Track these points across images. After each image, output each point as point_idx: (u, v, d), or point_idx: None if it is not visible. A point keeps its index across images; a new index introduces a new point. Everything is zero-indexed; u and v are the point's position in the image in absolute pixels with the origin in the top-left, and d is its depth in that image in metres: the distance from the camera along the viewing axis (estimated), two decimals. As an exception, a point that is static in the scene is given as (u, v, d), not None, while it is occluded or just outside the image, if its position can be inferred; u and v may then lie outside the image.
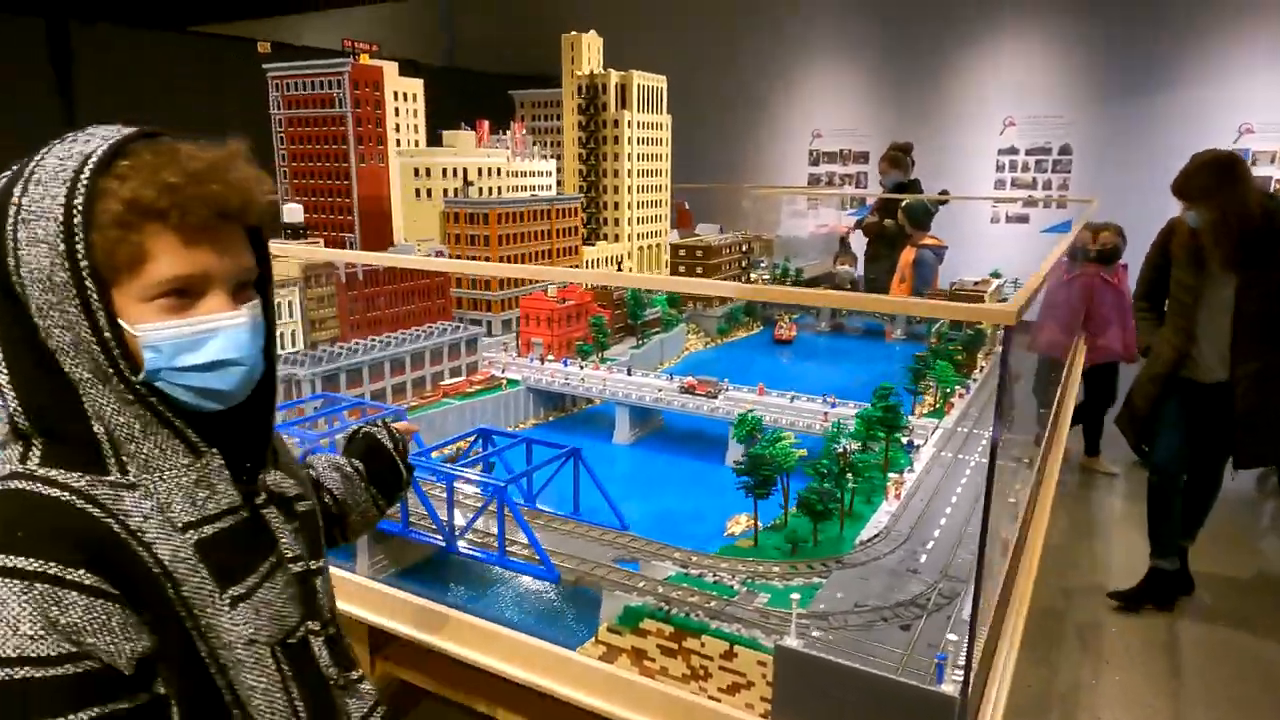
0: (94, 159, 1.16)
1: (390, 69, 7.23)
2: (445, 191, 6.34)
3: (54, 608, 1.04)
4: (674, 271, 7.54)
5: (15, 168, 1.18)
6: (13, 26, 8.70)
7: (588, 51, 7.77)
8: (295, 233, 5.30)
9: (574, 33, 7.77)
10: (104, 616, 1.08)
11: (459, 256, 6.27)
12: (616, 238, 7.71)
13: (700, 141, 13.85)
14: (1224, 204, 4.30)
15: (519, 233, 6.29)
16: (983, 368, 5.42)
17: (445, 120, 7.38)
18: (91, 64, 8.97)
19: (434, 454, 3.42)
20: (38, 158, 1.19)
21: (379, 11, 17.60)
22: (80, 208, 1.13)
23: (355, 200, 6.65)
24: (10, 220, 1.15)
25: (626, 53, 14.18)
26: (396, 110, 7.27)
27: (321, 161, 6.73)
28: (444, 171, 6.32)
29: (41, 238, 1.13)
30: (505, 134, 8.34)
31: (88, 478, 1.16)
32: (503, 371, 5.19)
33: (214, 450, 1.25)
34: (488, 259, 6.10)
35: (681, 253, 7.54)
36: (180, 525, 1.19)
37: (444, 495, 2.99)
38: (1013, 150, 13.17)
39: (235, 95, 7.86)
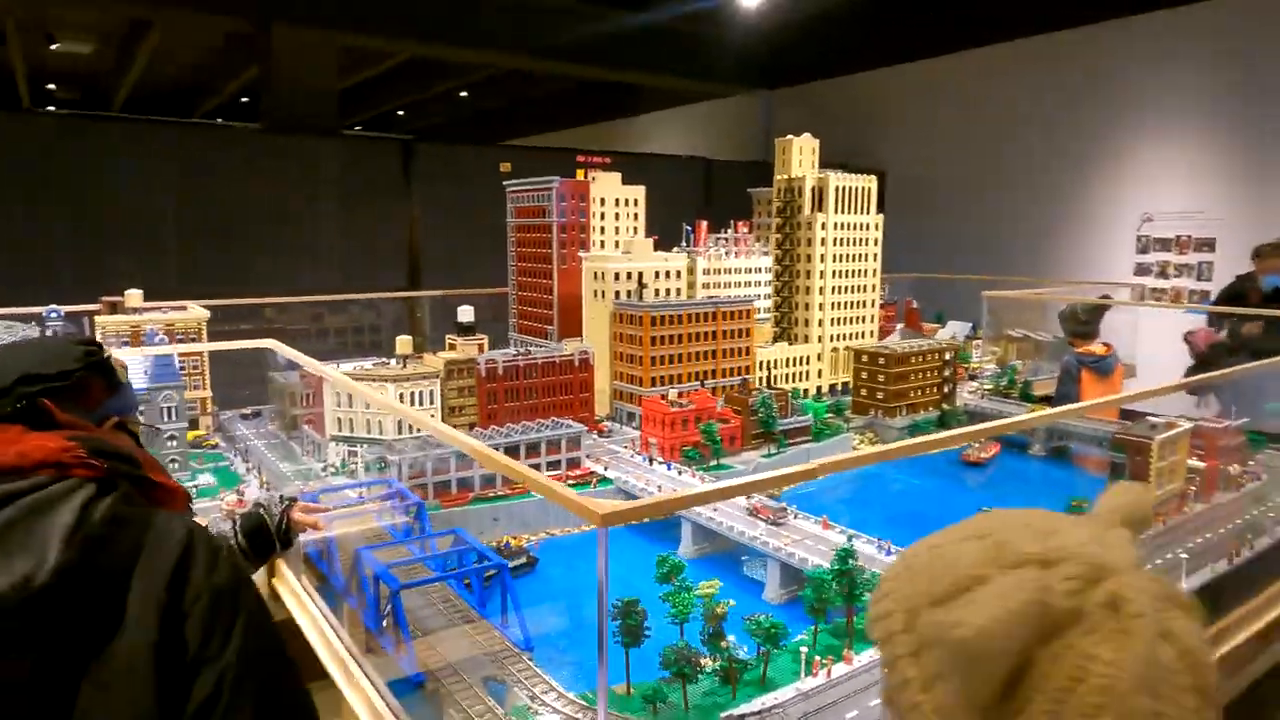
0: None
1: (611, 179, 8.12)
2: (617, 294, 6.93)
3: None
4: (856, 379, 7.23)
5: None
6: (376, 148, 11.33)
7: (799, 154, 7.90)
8: (466, 330, 6.26)
9: (788, 136, 7.96)
10: None
11: (620, 355, 6.80)
12: (806, 339, 7.63)
13: (1008, 230, 12.92)
14: None
15: (675, 334, 6.63)
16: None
17: (720, 214, 8.27)
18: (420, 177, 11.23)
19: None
20: None
21: (717, 110, 18.82)
22: None
23: (555, 298, 7.55)
24: None
25: (937, 135, 13.79)
26: (617, 215, 8.12)
27: (534, 263, 7.77)
28: (616, 275, 6.92)
29: None
30: (726, 233, 8.77)
31: None
32: (605, 470, 5.56)
33: None
34: (641, 358, 6.54)
35: (864, 359, 7.23)
36: None
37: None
38: None
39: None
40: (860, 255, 7.78)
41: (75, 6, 15.10)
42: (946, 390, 7.33)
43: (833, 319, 7.69)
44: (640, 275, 7.00)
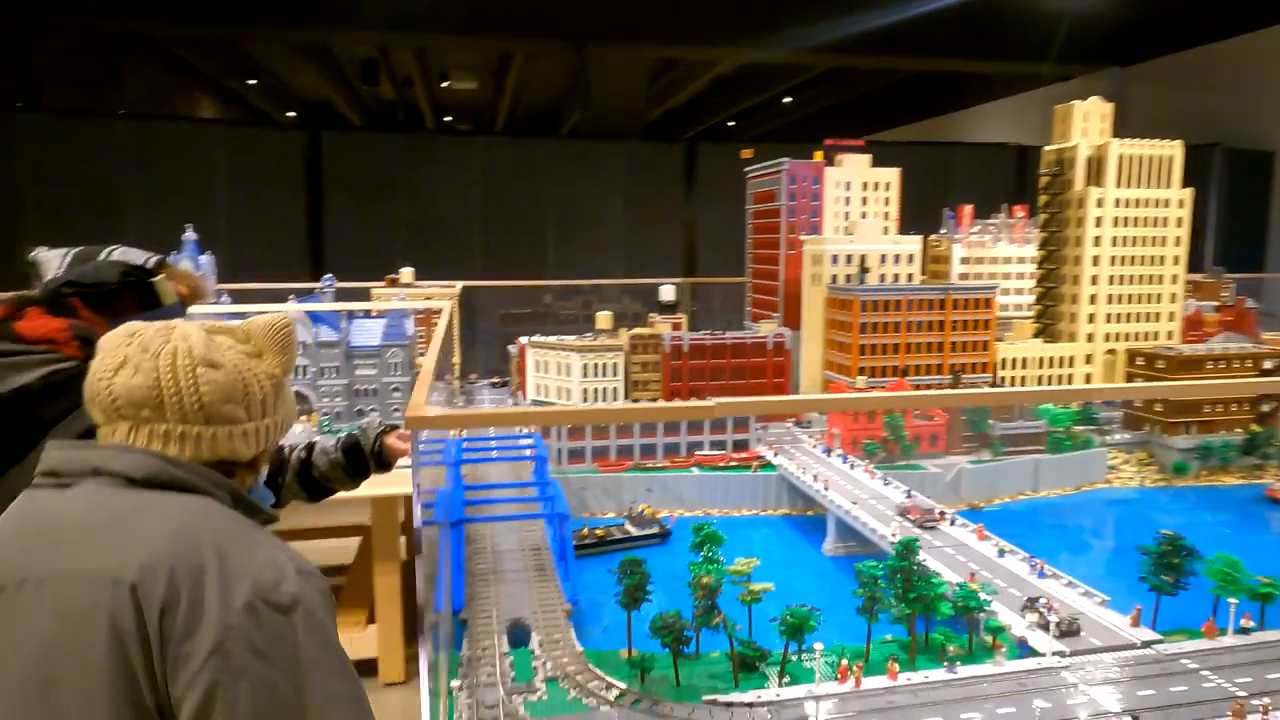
0: None
1: (860, 161, 7.67)
2: (834, 278, 6.50)
3: None
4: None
5: None
6: (660, 151, 11.90)
7: (1082, 121, 6.71)
8: (666, 308, 6.34)
9: (1073, 102, 6.82)
10: None
11: (831, 342, 6.37)
12: (1072, 336, 6.43)
13: None
14: None
15: (890, 322, 6.03)
16: None
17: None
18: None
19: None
20: None
21: (1054, 96, 16.79)
22: None
23: (781, 282, 7.31)
24: None
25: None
26: (864, 199, 7.65)
27: (765, 249, 7.59)
28: (834, 258, 6.49)
29: None
30: (996, 218, 7.84)
31: None
32: (774, 455, 5.28)
33: None
34: (849, 345, 6.06)
35: (1139, 361, 5.90)
36: None
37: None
38: None
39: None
40: (1155, 239, 6.37)
41: (457, 49, 18.00)
42: (1265, 409, 5.69)
43: (1112, 315, 6.40)
44: (863, 259, 6.49)
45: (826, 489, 4.57)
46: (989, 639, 2.86)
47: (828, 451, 5.26)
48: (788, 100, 23.06)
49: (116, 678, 1.01)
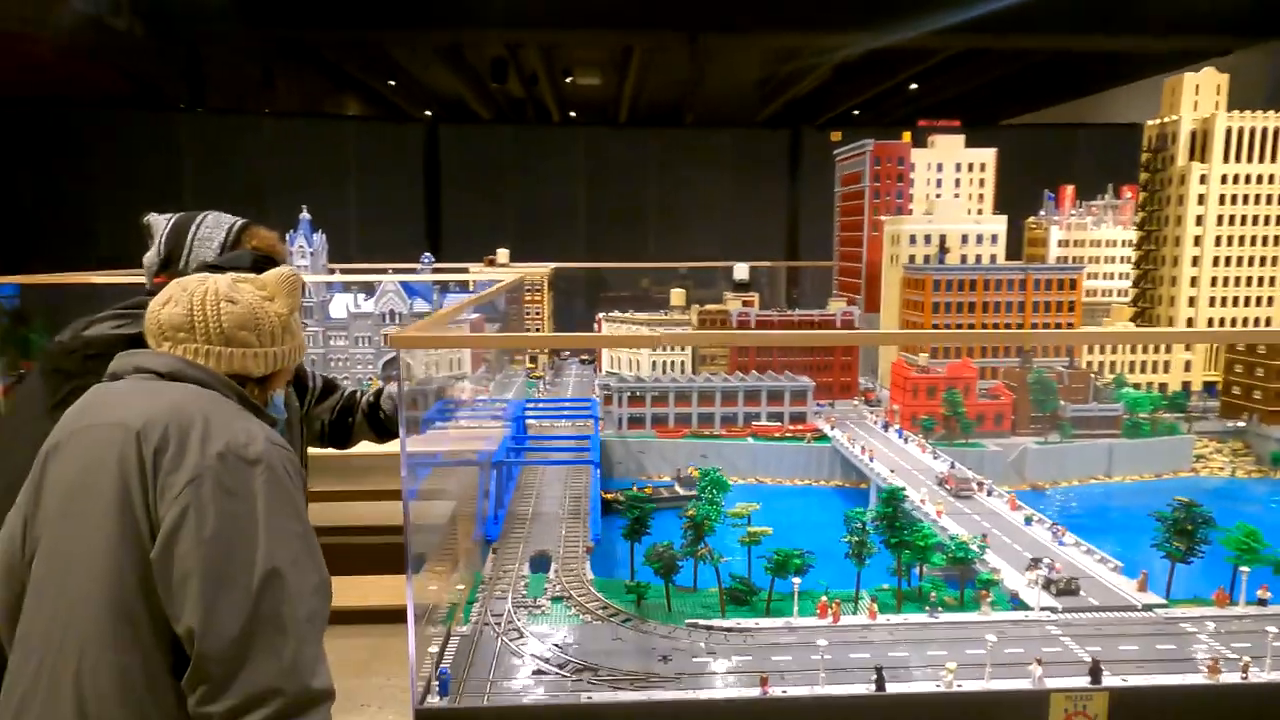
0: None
1: (954, 142, 7.54)
2: (911, 258, 6.45)
3: None
4: (1227, 373, 5.56)
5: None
6: (765, 136, 11.94)
7: (1193, 94, 6.35)
8: (740, 287, 6.50)
9: (1183, 74, 6.47)
10: None
11: (906, 323, 6.32)
12: (1171, 321, 6.09)
13: None
14: None
15: (965, 302, 5.94)
16: None
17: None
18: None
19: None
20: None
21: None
22: None
23: (864, 264, 7.29)
24: None
25: None
26: (956, 180, 7.53)
27: (850, 231, 7.58)
28: (912, 238, 6.44)
29: None
30: (1101, 198, 7.53)
31: None
32: (830, 429, 5.37)
33: None
34: (922, 324, 6.02)
35: (1239, 347, 5.54)
36: None
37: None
38: None
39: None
40: (1267, 218, 5.95)
41: (578, 45, 18.59)
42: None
43: (1217, 299, 6.03)
44: (943, 239, 6.41)
45: (871, 459, 4.64)
46: (981, 592, 2.92)
47: (886, 427, 5.29)
48: (914, 87, 22.37)
49: (120, 498, 1.39)
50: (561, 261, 8.89)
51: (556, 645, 2.68)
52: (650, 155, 11.64)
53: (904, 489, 3.14)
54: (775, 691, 2.38)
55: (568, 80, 22.99)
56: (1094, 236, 6.83)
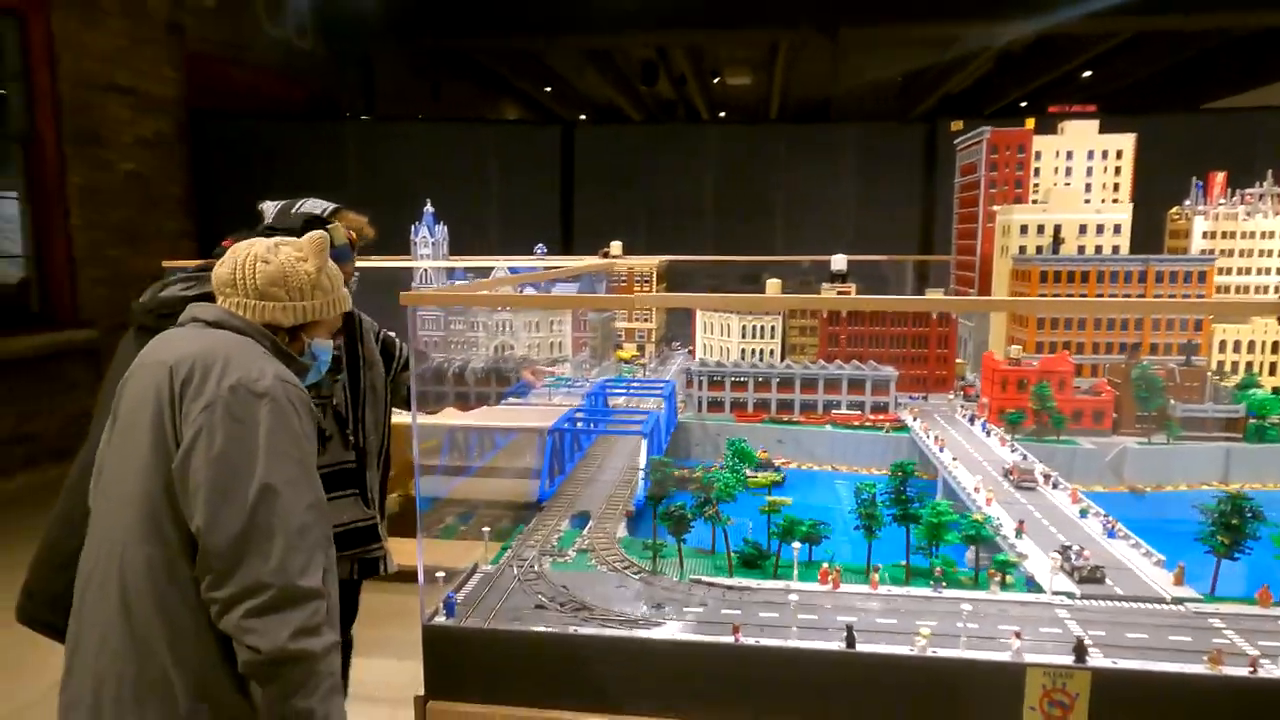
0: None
1: (1087, 128, 7.13)
2: (1022, 249, 6.16)
3: None
4: None
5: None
6: (896, 131, 11.57)
7: None
8: (836, 277, 6.47)
9: None
10: None
11: (1014, 316, 6.05)
12: None
13: None
14: None
15: (1071, 295, 5.62)
16: None
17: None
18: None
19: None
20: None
21: None
22: None
23: (977, 256, 7.01)
24: None
25: None
26: (1089, 169, 7.11)
27: (966, 223, 7.30)
28: (1023, 228, 6.16)
29: None
30: (1260, 186, 6.91)
31: None
32: (913, 420, 5.28)
33: None
34: (1025, 318, 5.75)
35: (1398, 347, 4.91)
36: None
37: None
38: None
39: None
40: None
41: (724, 44, 18.79)
42: None
43: (1382, 294, 5.37)
44: (1057, 229, 6.09)
45: (941, 449, 4.56)
46: (997, 574, 2.88)
47: (973, 420, 5.15)
48: (1088, 74, 20.91)
49: (155, 420, 1.79)
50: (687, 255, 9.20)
51: (564, 587, 2.92)
52: (779, 151, 11.64)
53: (914, 462, 3.12)
54: (747, 641, 2.50)
55: (715, 80, 23.19)
56: (1246, 228, 6.26)
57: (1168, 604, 2.75)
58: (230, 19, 11.27)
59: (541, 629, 2.61)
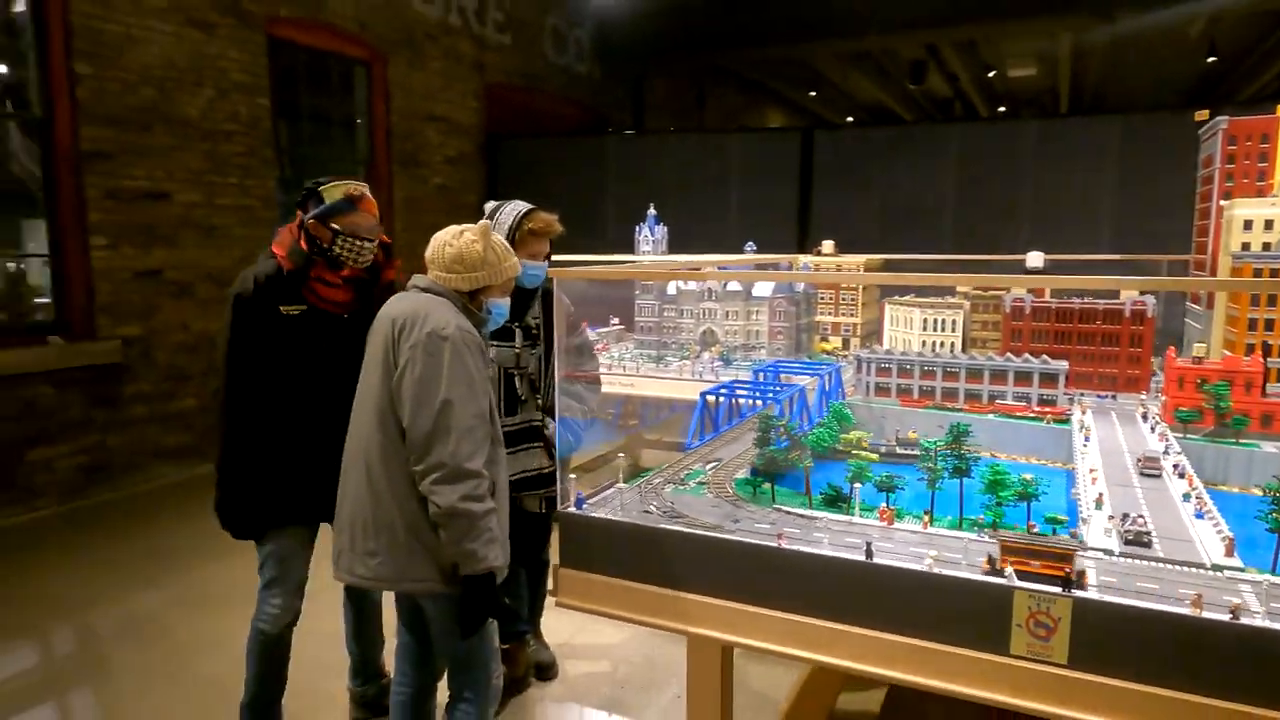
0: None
1: None
2: (1246, 245, 5.75)
3: None
4: None
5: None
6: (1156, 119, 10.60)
7: None
8: (1033, 273, 6.47)
9: None
10: None
11: (1229, 315, 5.68)
12: None
13: None
14: None
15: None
16: None
17: None
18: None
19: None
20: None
21: None
22: None
23: (1209, 254, 6.55)
24: None
25: None
26: None
27: (1204, 220, 6.81)
28: (1247, 223, 5.75)
29: None
30: None
31: None
32: (1082, 414, 5.31)
33: None
34: (1238, 318, 5.42)
35: None
36: None
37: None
38: None
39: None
40: None
41: (1002, 38, 18.07)
42: None
43: None
44: (1289, 224, 5.62)
45: (1086, 440, 4.65)
46: (1031, 524, 3.17)
47: (1144, 418, 5.11)
48: None
49: (384, 355, 2.97)
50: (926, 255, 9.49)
51: (672, 504, 3.70)
52: (1030, 147, 11.27)
53: (969, 425, 3.47)
54: (786, 545, 3.13)
55: (989, 75, 22.20)
56: None
57: (1206, 569, 2.90)
58: (522, 54, 13.30)
59: (637, 523, 3.43)
